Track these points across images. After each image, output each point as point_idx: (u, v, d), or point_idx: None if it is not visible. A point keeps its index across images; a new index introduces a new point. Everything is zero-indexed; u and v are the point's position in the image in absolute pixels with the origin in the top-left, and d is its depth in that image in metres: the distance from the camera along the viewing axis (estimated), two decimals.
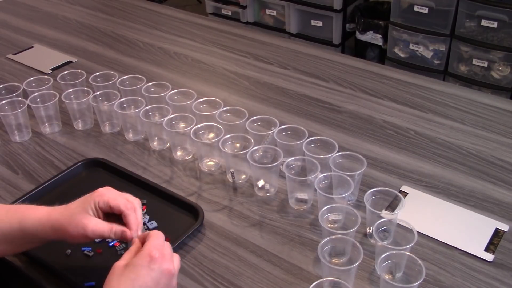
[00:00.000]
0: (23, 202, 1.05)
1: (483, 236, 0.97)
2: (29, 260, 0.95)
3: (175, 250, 0.91)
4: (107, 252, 0.95)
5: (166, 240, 0.83)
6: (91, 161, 1.17)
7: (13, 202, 1.05)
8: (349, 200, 1.04)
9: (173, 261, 0.79)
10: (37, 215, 0.85)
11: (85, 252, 0.95)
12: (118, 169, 1.14)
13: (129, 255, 0.79)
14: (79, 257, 0.95)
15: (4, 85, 1.38)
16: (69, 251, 0.95)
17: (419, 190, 1.08)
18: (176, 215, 1.03)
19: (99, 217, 0.84)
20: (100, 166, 1.16)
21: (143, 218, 0.92)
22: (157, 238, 0.81)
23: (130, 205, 0.86)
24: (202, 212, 1.01)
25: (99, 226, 0.83)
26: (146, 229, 0.97)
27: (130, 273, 0.75)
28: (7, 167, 1.19)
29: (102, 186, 1.01)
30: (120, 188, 1.06)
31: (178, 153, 1.21)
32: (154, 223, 1.00)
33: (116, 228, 0.84)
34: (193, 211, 1.03)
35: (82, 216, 0.83)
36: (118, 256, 0.87)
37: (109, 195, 0.85)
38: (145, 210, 1.03)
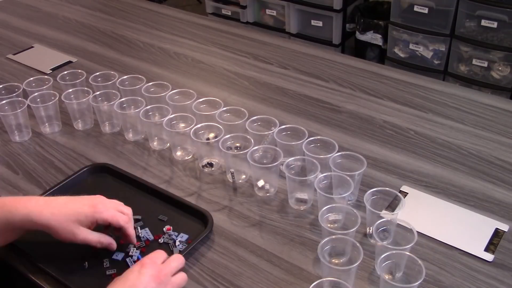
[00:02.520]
0: None
1: (483, 236, 0.97)
2: (41, 272, 0.94)
3: (186, 256, 0.93)
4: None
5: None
6: (98, 167, 1.16)
7: None
8: (349, 200, 1.04)
9: (168, 271, 0.83)
10: (26, 211, 0.86)
11: (107, 273, 0.92)
12: (124, 175, 1.13)
13: None
14: (98, 271, 0.92)
15: (4, 85, 1.38)
16: (86, 264, 0.93)
17: (419, 190, 1.08)
18: (184, 220, 1.02)
19: (90, 228, 0.90)
20: (106, 172, 1.15)
21: (172, 235, 0.98)
22: (156, 251, 0.87)
23: (127, 218, 0.92)
24: (211, 218, 1.01)
25: (88, 237, 0.89)
26: (173, 242, 0.97)
27: (121, 277, 0.81)
28: (7, 167, 1.19)
29: (109, 192, 1.05)
30: (127, 195, 1.08)
31: (178, 153, 1.21)
32: (184, 235, 0.98)
33: (103, 239, 0.91)
34: (202, 217, 1.02)
35: (75, 226, 0.87)
36: None
37: (108, 213, 0.90)
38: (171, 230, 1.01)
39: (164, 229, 0.99)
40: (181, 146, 1.21)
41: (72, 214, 0.87)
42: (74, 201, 0.90)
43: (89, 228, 0.90)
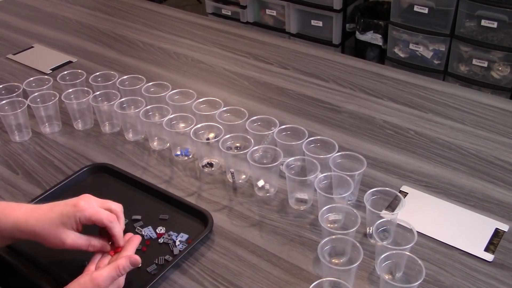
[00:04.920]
0: None
1: (483, 236, 0.97)
2: (41, 272, 0.94)
3: (186, 256, 0.94)
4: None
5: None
6: (97, 167, 1.16)
7: None
8: (349, 200, 1.04)
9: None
10: (14, 218, 0.83)
11: None
12: (124, 175, 1.13)
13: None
14: None
15: (4, 85, 1.38)
16: (86, 263, 0.91)
17: (419, 190, 1.08)
18: (184, 220, 1.02)
19: (78, 229, 0.84)
20: (106, 172, 1.15)
21: (171, 235, 0.97)
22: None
23: (113, 216, 0.85)
24: (211, 218, 1.01)
25: (77, 242, 0.83)
26: (173, 242, 0.96)
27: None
28: (7, 167, 1.19)
29: (109, 192, 1.04)
30: (127, 195, 1.08)
31: (178, 153, 1.21)
32: (184, 235, 0.98)
33: (94, 242, 0.85)
34: (202, 217, 1.01)
35: (61, 230, 0.82)
36: (141, 273, 0.89)
37: (90, 210, 0.83)
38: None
39: (161, 229, 0.99)
40: (181, 146, 1.20)
41: (56, 217, 0.82)
42: (58, 204, 0.85)
43: (77, 230, 0.84)
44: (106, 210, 0.86)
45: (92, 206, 0.84)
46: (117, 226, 0.85)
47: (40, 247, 0.93)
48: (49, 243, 0.83)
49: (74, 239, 0.83)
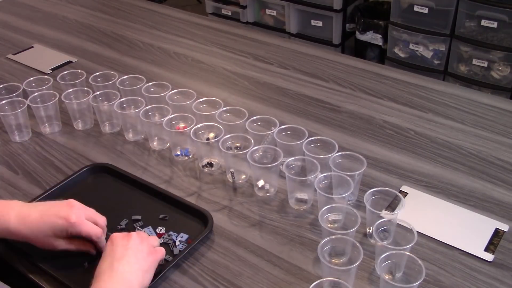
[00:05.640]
0: None
1: (483, 236, 0.97)
2: (41, 272, 0.94)
3: (186, 256, 0.94)
4: None
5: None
6: (98, 167, 1.16)
7: None
8: (349, 200, 1.04)
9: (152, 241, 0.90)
10: (4, 226, 0.89)
11: None
12: (124, 175, 1.13)
13: None
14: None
15: (4, 85, 1.38)
16: (86, 264, 0.94)
17: (419, 190, 1.08)
18: (184, 220, 1.02)
19: (67, 237, 0.91)
20: (106, 172, 1.15)
21: (171, 235, 0.99)
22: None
23: (100, 232, 0.92)
24: (211, 218, 1.01)
25: (67, 247, 0.92)
26: (173, 242, 0.97)
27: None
28: (7, 167, 1.19)
29: (109, 192, 1.07)
30: (127, 195, 1.09)
31: (178, 153, 1.21)
32: (184, 235, 0.98)
33: (82, 247, 0.93)
34: (202, 217, 1.01)
35: (53, 239, 0.90)
36: None
37: (81, 226, 0.90)
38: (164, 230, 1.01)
39: (161, 229, 1.00)
40: (181, 146, 1.20)
41: (48, 229, 0.89)
42: (48, 214, 0.90)
43: (67, 236, 0.91)
44: (92, 223, 0.92)
45: (82, 221, 0.90)
46: (103, 241, 0.93)
47: (40, 247, 0.94)
48: (41, 246, 0.91)
49: (64, 245, 0.92)
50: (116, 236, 0.87)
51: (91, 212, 0.93)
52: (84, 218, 0.91)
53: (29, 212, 0.90)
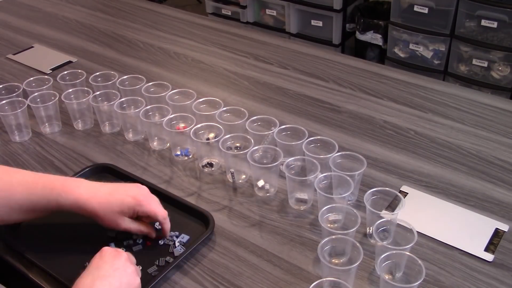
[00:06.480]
0: None
1: (483, 236, 0.97)
2: (41, 272, 0.94)
3: (186, 256, 0.94)
4: None
5: None
6: (99, 167, 1.16)
7: None
8: (349, 200, 1.04)
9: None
10: (74, 197, 0.90)
11: None
12: (125, 175, 1.13)
13: None
14: None
15: (4, 85, 1.38)
16: (86, 264, 0.91)
17: (419, 190, 1.08)
18: (184, 221, 1.02)
19: (132, 217, 0.94)
20: (107, 172, 1.15)
21: (172, 235, 0.99)
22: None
23: (165, 212, 0.96)
24: (212, 219, 1.01)
25: (130, 226, 0.94)
26: (173, 243, 0.97)
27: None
28: None
29: None
30: None
31: (178, 153, 1.21)
32: (185, 236, 0.99)
33: (143, 228, 0.96)
34: (202, 217, 1.01)
35: (118, 216, 0.92)
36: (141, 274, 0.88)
37: (149, 206, 0.93)
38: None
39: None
40: (181, 146, 1.20)
41: (116, 205, 0.91)
42: (118, 191, 0.93)
43: (131, 216, 0.94)
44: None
45: (151, 201, 0.94)
46: (168, 223, 0.96)
47: (40, 247, 0.94)
48: (103, 223, 0.92)
49: (128, 224, 0.94)
50: (107, 251, 0.85)
51: (157, 199, 0.97)
52: (151, 200, 0.95)
53: (99, 188, 0.93)
